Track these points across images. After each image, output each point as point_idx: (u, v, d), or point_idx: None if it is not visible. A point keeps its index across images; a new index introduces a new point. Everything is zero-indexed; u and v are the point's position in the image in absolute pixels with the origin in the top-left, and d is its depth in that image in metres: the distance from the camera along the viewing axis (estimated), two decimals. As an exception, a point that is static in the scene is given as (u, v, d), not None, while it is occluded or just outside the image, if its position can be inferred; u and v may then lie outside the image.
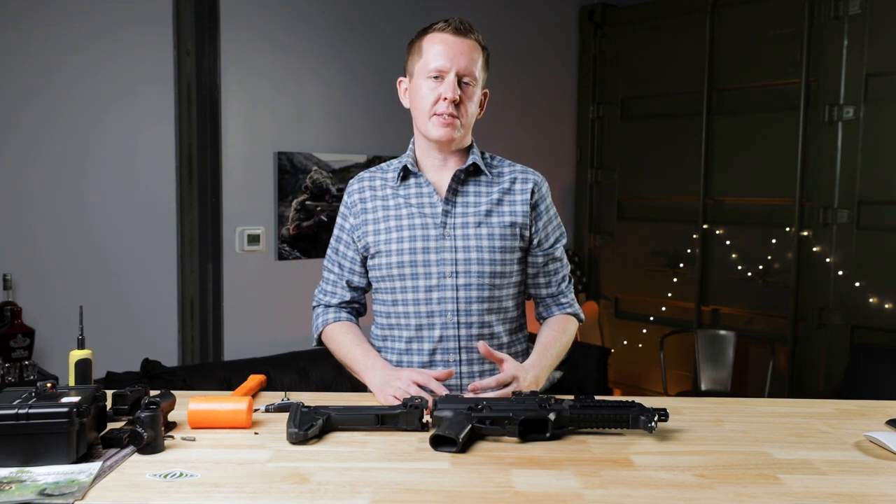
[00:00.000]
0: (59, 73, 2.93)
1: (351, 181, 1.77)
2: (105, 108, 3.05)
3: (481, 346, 1.56)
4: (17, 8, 2.83)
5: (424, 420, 1.36)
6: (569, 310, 1.78)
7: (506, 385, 1.51)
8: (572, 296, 1.80)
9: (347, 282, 1.75)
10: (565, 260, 1.80)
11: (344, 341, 1.70)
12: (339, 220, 1.78)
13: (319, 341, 1.78)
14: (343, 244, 1.75)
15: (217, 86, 3.32)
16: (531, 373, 1.58)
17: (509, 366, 1.54)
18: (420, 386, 1.50)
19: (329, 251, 1.79)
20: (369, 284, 1.77)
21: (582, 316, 1.80)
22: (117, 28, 3.05)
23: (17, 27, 2.83)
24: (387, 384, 1.54)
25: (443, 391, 1.48)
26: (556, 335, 1.71)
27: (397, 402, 1.44)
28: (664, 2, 4.49)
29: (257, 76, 3.47)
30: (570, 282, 1.81)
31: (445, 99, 1.60)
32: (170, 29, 3.19)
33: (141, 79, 3.12)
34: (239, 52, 3.39)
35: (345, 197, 1.77)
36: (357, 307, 1.79)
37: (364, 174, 1.77)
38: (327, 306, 1.77)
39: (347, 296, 1.76)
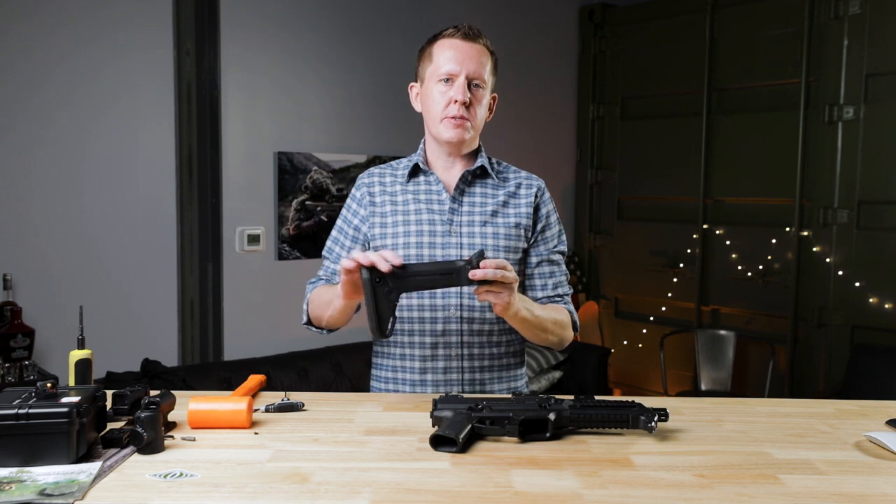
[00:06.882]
0: (58, 73, 2.93)
1: (361, 175, 1.77)
2: (105, 108, 3.04)
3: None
4: (17, 8, 2.83)
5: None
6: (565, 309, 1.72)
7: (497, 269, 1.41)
8: (571, 307, 1.75)
9: None
10: (564, 268, 1.78)
11: (324, 288, 1.68)
12: (344, 212, 1.77)
13: (309, 319, 1.72)
14: (348, 237, 1.74)
15: (217, 86, 3.32)
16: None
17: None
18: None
19: (329, 242, 1.77)
20: None
21: (577, 323, 1.75)
22: (117, 28, 3.05)
23: (17, 27, 2.83)
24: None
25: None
26: (547, 309, 1.65)
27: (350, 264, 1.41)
28: (664, 2, 4.49)
29: (257, 76, 3.47)
30: (568, 291, 1.76)
31: (456, 101, 1.63)
32: (170, 29, 3.18)
33: (141, 79, 3.12)
34: (239, 51, 3.39)
35: (353, 190, 1.77)
36: None
37: (374, 170, 1.77)
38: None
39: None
